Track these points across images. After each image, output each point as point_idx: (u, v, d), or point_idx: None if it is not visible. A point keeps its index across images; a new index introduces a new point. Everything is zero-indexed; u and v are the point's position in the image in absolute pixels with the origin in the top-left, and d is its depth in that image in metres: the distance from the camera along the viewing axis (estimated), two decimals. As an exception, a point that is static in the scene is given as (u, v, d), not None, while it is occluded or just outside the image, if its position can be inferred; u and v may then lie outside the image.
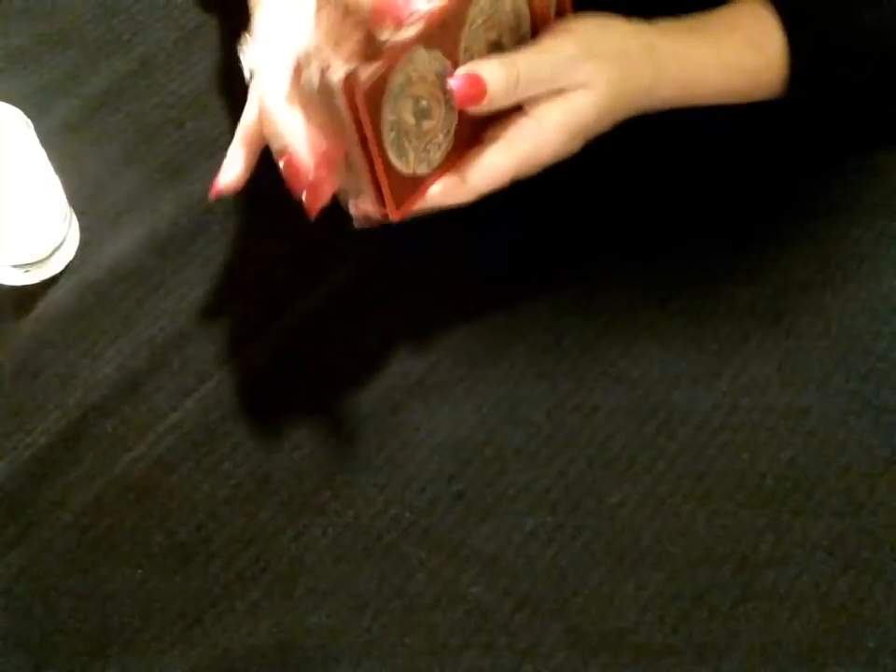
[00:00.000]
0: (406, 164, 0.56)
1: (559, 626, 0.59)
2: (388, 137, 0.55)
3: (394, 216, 0.57)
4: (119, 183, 0.71)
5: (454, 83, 0.54)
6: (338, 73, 0.52)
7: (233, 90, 0.74)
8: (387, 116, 0.54)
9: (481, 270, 0.68)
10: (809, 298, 0.68)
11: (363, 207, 0.58)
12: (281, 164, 0.56)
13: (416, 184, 0.57)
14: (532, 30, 0.59)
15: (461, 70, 0.55)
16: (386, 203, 0.56)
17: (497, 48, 0.58)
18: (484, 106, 0.55)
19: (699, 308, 0.67)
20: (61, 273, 0.68)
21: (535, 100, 0.57)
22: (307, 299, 0.67)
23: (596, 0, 0.59)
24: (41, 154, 0.63)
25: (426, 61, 0.54)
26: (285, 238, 0.69)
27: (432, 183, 0.58)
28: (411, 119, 0.55)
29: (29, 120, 0.62)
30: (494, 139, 0.57)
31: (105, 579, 0.59)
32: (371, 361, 0.66)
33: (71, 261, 0.68)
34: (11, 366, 0.65)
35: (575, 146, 0.58)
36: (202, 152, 0.72)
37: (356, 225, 0.58)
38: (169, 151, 0.72)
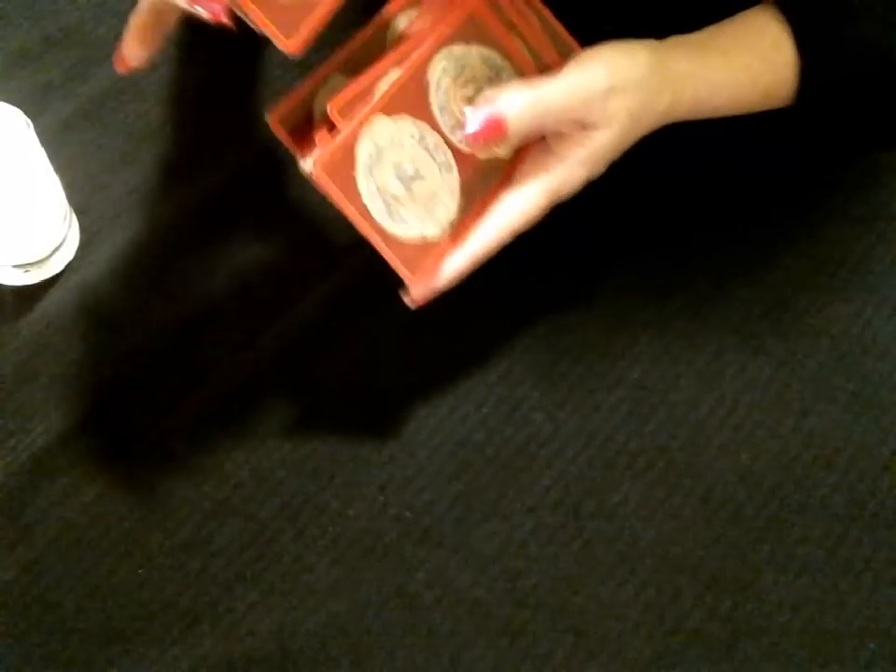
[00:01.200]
0: (408, 230, 0.56)
1: (559, 626, 0.59)
2: (374, 206, 0.55)
3: (412, 282, 0.56)
4: (119, 183, 0.71)
5: (470, 124, 0.55)
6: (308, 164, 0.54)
7: (234, 90, 0.74)
8: (366, 186, 0.54)
9: (480, 270, 0.68)
10: (809, 298, 0.68)
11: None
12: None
13: (430, 247, 0.57)
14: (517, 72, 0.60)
15: (481, 109, 0.55)
16: (398, 271, 0.56)
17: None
18: (505, 144, 0.56)
19: (699, 308, 0.67)
20: (61, 273, 0.68)
21: (559, 136, 0.57)
22: (307, 298, 0.67)
23: (605, 13, 0.60)
24: (41, 154, 0.63)
25: (392, 129, 0.55)
26: (284, 238, 0.69)
27: (455, 243, 0.57)
28: (396, 186, 0.55)
29: (29, 120, 0.62)
30: (523, 178, 0.58)
31: (105, 579, 0.59)
32: (371, 361, 0.66)
33: (71, 261, 0.68)
34: (11, 366, 0.65)
35: (599, 173, 0.59)
36: (202, 152, 0.72)
37: (411, 306, 0.58)
38: (169, 151, 0.72)
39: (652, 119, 0.59)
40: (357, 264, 0.68)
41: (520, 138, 0.57)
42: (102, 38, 0.77)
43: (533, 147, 0.59)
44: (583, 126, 0.56)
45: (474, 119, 0.55)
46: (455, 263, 0.57)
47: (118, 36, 0.76)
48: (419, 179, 0.56)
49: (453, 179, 0.58)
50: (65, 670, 0.57)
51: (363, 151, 0.54)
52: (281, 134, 0.54)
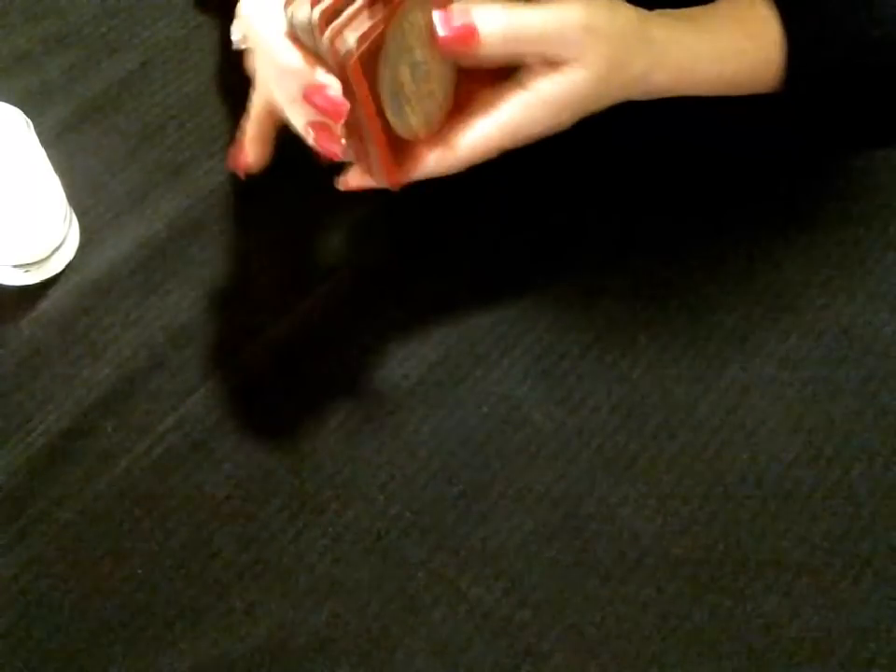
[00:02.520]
0: (409, 130, 0.54)
1: (559, 626, 0.59)
2: (387, 99, 0.52)
3: (392, 179, 0.54)
4: (119, 183, 0.71)
5: (441, 25, 0.52)
6: (346, 43, 0.50)
7: (233, 89, 0.74)
8: (385, 77, 0.52)
9: (480, 270, 0.68)
10: (809, 298, 0.68)
11: (355, 180, 0.56)
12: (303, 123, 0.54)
13: (414, 147, 0.55)
14: None
15: (455, 16, 0.52)
16: (385, 167, 0.54)
17: None
18: (476, 53, 0.53)
19: (699, 308, 0.67)
20: (61, 273, 0.68)
21: (529, 70, 0.55)
22: (307, 299, 0.67)
23: None
24: (41, 154, 0.63)
25: (418, 15, 0.52)
26: (284, 238, 0.69)
27: (429, 145, 0.55)
28: (409, 80, 0.53)
29: (29, 120, 0.62)
30: (484, 107, 0.55)
31: (105, 579, 0.59)
32: (371, 361, 0.66)
33: (71, 261, 0.68)
34: (11, 366, 0.65)
35: (564, 121, 0.56)
36: (202, 152, 0.72)
37: (339, 187, 0.57)
38: (169, 151, 0.72)
39: (629, 77, 0.57)
40: (356, 264, 0.68)
41: (490, 57, 0.54)
42: (102, 38, 0.77)
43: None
44: (557, 63, 0.54)
45: (446, 23, 0.53)
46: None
47: (117, 36, 0.77)
48: (425, 73, 0.54)
49: (448, 72, 0.55)
50: (65, 670, 0.57)
51: (392, 41, 0.51)
52: (356, 77, 0.50)
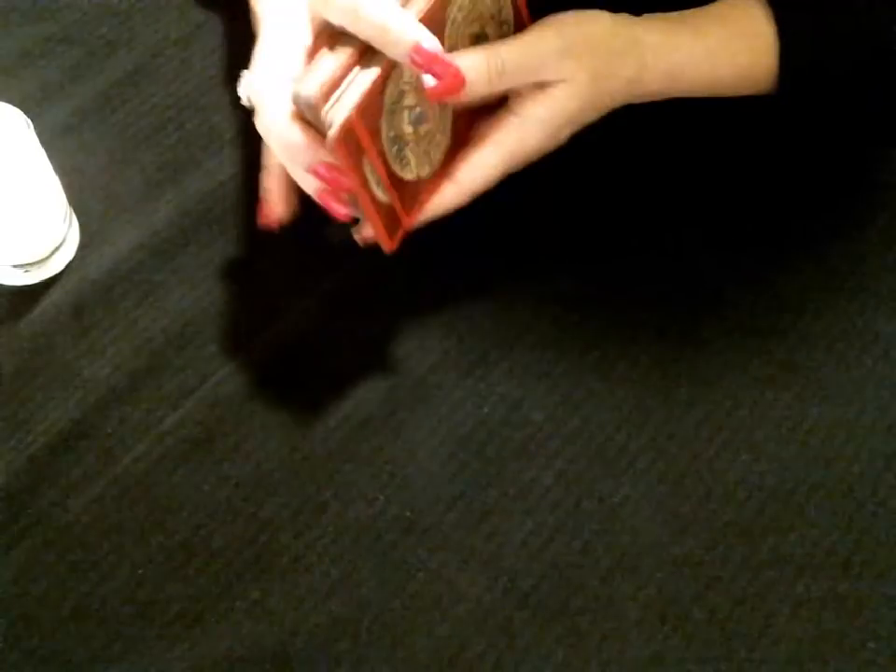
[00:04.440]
0: (410, 172, 0.56)
1: (559, 626, 0.59)
2: (391, 152, 0.55)
3: (405, 224, 0.57)
4: (119, 183, 0.71)
5: (429, 79, 0.54)
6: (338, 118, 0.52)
7: (233, 90, 0.74)
8: (386, 133, 0.54)
9: (480, 270, 0.68)
10: (809, 298, 0.68)
11: (365, 233, 0.59)
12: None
13: (420, 187, 0.58)
14: (514, 13, 0.59)
15: (438, 66, 0.55)
16: (399, 214, 0.56)
17: (479, 39, 0.58)
18: (464, 97, 0.55)
19: (700, 308, 0.67)
20: (61, 273, 0.68)
21: (519, 96, 0.58)
22: (307, 298, 0.67)
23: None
24: (41, 154, 0.63)
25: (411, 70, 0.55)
26: (285, 238, 0.69)
27: (437, 183, 0.58)
28: (409, 129, 0.56)
29: (29, 120, 0.62)
30: (481, 138, 0.58)
31: (106, 579, 0.59)
32: (371, 361, 0.66)
33: (71, 261, 0.68)
34: (11, 366, 0.65)
35: (561, 138, 0.59)
36: (202, 152, 0.72)
37: (359, 242, 0.60)
38: (169, 151, 0.72)
39: (618, 86, 0.59)
40: (356, 265, 0.68)
41: (478, 98, 0.56)
42: (102, 38, 0.77)
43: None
44: (542, 85, 0.57)
45: (434, 76, 0.55)
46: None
47: (117, 36, 0.77)
48: (424, 121, 0.56)
49: (446, 118, 0.58)
50: (65, 670, 0.57)
51: (388, 97, 0.54)
52: (362, 134, 0.53)
